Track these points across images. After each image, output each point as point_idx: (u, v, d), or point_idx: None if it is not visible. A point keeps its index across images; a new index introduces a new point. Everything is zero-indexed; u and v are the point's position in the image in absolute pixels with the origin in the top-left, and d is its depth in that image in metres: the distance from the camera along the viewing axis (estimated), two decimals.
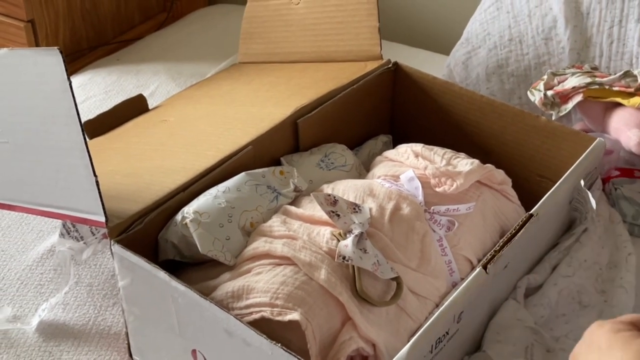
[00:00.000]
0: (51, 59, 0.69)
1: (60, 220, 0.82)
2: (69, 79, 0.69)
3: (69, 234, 0.83)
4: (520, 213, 0.88)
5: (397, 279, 0.74)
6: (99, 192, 0.70)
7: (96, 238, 0.82)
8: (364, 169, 0.97)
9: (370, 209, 0.79)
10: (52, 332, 0.85)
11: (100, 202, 0.71)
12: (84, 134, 0.70)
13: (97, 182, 0.70)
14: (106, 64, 1.44)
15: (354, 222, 0.75)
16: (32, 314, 0.87)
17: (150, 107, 1.12)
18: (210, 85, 1.15)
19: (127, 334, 0.79)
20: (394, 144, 1.07)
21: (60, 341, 0.84)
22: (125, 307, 0.76)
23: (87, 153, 0.70)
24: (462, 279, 0.81)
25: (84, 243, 0.82)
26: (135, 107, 1.10)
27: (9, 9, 1.40)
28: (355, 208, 0.77)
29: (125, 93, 1.32)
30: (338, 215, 0.75)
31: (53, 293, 0.89)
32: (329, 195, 0.77)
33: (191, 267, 0.78)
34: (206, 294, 0.70)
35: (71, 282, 0.86)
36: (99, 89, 1.35)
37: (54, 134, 0.72)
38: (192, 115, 1.04)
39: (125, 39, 1.59)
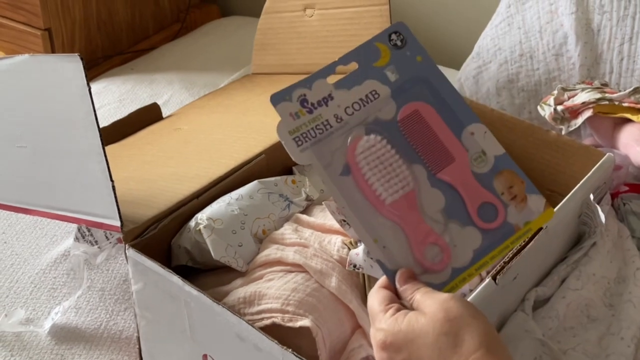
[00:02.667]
0: (71, 65, 0.71)
1: (74, 225, 0.84)
2: (88, 84, 0.70)
3: (83, 238, 0.84)
4: None
5: None
6: (115, 197, 0.72)
7: (110, 243, 0.83)
8: None
9: None
10: (64, 335, 0.86)
11: (116, 207, 0.72)
12: (101, 139, 0.71)
13: (113, 186, 0.71)
14: (121, 73, 1.46)
15: None
16: (45, 317, 0.88)
17: (163, 116, 1.13)
18: (223, 95, 1.17)
19: (138, 338, 0.80)
20: None
21: (72, 345, 0.85)
22: (137, 311, 0.77)
23: (104, 158, 0.71)
24: (471, 290, 0.81)
25: (99, 247, 0.83)
26: (149, 116, 1.12)
27: (27, 17, 1.42)
28: None
29: (139, 102, 1.34)
30: (349, 224, 0.76)
31: (66, 297, 0.91)
32: None
33: (203, 273, 0.79)
34: (218, 299, 0.71)
35: (84, 286, 0.87)
36: (113, 97, 1.36)
37: (72, 138, 0.74)
38: (206, 123, 1.05)
39: (139, 48, 1.61)
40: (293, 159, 0.57)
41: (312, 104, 0.57)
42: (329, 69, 0.59)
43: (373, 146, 0.57)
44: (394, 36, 0.60)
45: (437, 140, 0.59)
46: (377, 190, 0.56)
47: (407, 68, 0.59)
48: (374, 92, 0.58)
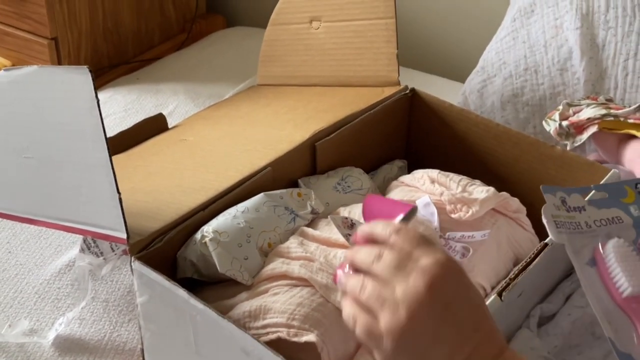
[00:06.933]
0: (80, 77, 0.71)
1: (79, 235, 0.84)
2: (97, 97, 0.70)
3: (89, 249, 0.84)
4: (534, 242, 0.89)
5: None
6: (122, 210, 0.72)
7: (116, 254, 0.83)
8: (379, 193, 0.98)
9: None
10: (68, 346, 0.86)
11: (122, 219, 0.72)
12: (109, 151, 0.71)
13: (120, 199, 0.72)
14: (126, 83, 1.47)
15: None
16: (48, 327, 0.88)
17: (169, 126, 1.13)
18: (229, 106, 1.17)
19: (142, 350, 0.80)
20: (409, 169, 1.08)
21: (76, 356, 0.85)
22: (142, 323, 0.77)
23: (111, 170, 0.71)
24: None
25: (104, 259, 0.83)
26: (155, 126, 1.12)
27: (34, 27, 1.43)
28: None
29: (144, 112, 1.34)
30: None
31: (70, 307, 0.91)
32: (346, 218, 0.78)
33: (208, 286, 0.79)
34: (223, 312, 0.71)
35: (89, 297, 0.87)
36: (119, 106, 1.37)
37: (79, 150, 0.74)
38: (212, 135, 1.06)
39: (145, 58, 1.62)
40: (550, 234, 0.70)
41: (569, 207, 0.71)
42: (585, 190, 0.75)
43: (621, 247, 0.70)
44: (639, 186, 0.76)
45: None
46: (617, 282, 0.67)
47: None
48: (618, 218, 0.73)
